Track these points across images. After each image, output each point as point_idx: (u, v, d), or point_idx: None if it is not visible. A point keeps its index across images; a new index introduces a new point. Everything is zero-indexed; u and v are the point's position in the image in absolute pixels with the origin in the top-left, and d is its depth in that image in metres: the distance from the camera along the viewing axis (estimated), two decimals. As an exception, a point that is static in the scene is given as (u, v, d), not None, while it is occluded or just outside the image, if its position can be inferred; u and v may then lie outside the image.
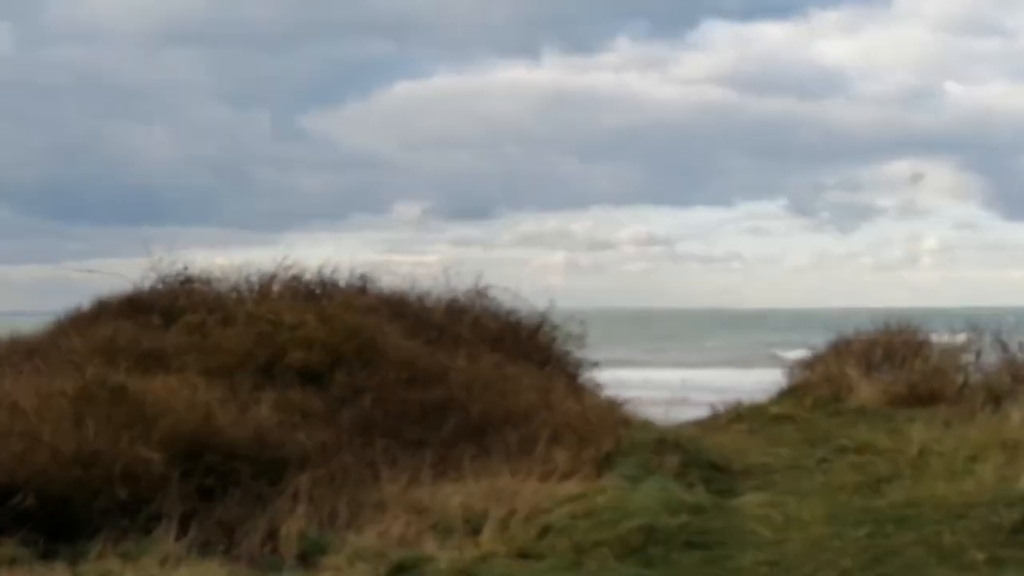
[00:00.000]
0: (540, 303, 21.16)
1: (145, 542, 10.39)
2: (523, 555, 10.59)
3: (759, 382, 24.16)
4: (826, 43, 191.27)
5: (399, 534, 11.06)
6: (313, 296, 18.77)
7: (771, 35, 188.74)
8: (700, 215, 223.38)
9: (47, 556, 10.04)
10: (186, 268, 19.18)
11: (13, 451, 11.06)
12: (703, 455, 15.16)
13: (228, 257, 19.57)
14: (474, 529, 11.29)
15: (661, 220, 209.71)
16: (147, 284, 18.99)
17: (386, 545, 10.70)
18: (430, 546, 10.75)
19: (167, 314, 17.45)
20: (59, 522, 10.71)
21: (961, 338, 22.70)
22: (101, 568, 9.23)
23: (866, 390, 20.35)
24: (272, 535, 10.95)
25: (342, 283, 19.72)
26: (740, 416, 20.06)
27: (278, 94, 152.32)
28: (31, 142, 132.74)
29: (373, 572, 9.70)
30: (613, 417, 16.64)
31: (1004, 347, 20.71)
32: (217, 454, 12.16)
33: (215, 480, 11.86)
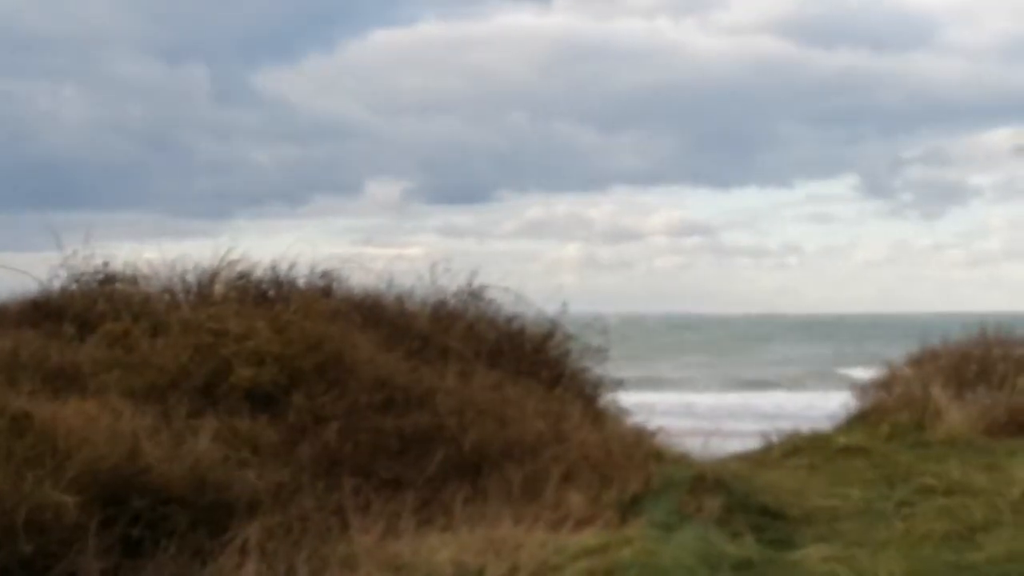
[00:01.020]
0: (550, 307, 21.16)
1: (56, 607, 10.41)
2: (528, 622, 10.63)
3: (822, 406, 24.23)
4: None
5: (373, 597, 11.10)
6: (265, 299, 18.79)
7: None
8: (749, 198, 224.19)
9: (-67, 625, 10.07)
10: (106, 264, 19.16)
11: None
12: (752, 497, 15.22)
13: (159, 250, 19.49)
14: (467, 590, 11.34)
15: (700, 204, 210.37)
16: (57, 284, 18.98)
17: (357, 611, 10.75)
18: (412, 612, 10.79)
19: (83, 322, 17.45)
20: (-52, 583, 10.74)
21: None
22: (0, 640, 9.25)
23: (957, 416, 20.37)
24: (215, 598, 10.99)
25: (302, 282, 19.73)
26: (798, 448, 20.11)
27: (220, 45, 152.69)
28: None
29: (340, 645, 9.72)
30: (641, 450, 16.69)
31: None
32: (145, 497, 12.16)
33: (143, 530, 11.88)
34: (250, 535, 11.97)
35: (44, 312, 18.12)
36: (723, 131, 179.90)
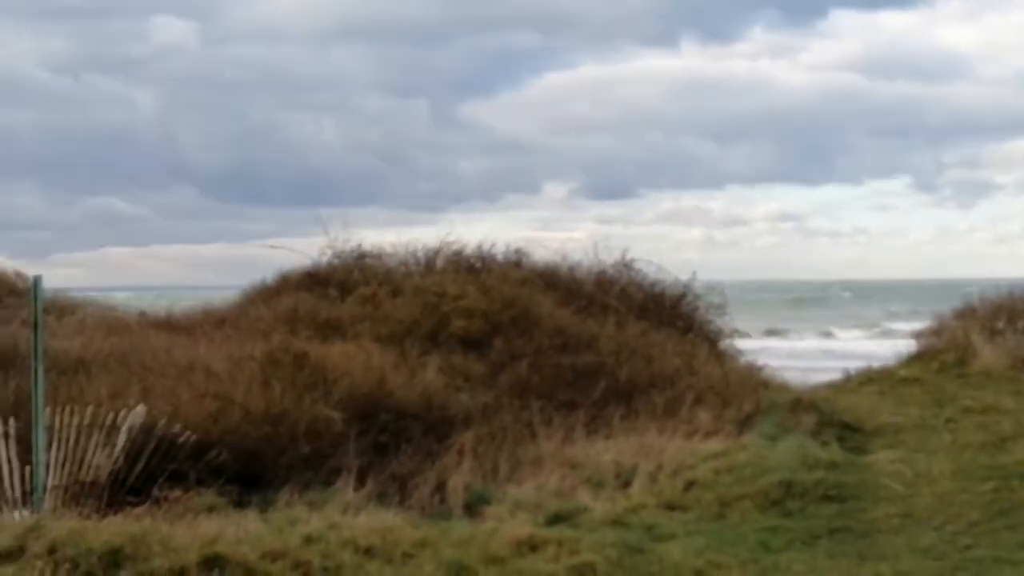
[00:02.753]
0: (682, 275, 20.93)
1: (327, 492, 10.50)
2: (670, 507, 10.55)
3: (887, 349, 23.76)
4: (948, 30, 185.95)
5: (555, 487, 11.09)
6: (473, 270, 18.84)
7: (896, 23, 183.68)
8: (829, 192, 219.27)
9: (240, 504, 10.22)
10: (359, 245, 19.41)
11: (209, 411, 11.29)
12: (837, 415, 15.00)
13: (395, 235, 19.83)
14: (624, 482, 11.30)
15: (792, 198, 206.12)
16: (324, 260, 19.25)
17: (543, 496, 10.73)
18: (584, 497, 10.76)
19: (343, 287, 17.68)
20: (250, 474, 10.90)
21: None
22: (289, 515, 9.36)
23: (990, 355, 19.85)
24: (440, 487, 11.04)
25: (499, 257, 19.74)
26: (870, 379, 19.78)
27: (436, 85, 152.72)
28: (216, 131, 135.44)
29: (532, 521, 9.71)
30: (752, 380, 16.55)
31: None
32: (390, 414, 12.31)
33: (388, 437, 12.01)
34: (465, 441, 12.06)
35: (315, 280, 18.40)
36: (809, 143, 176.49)
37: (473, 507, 10.67)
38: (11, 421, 10.24)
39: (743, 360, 19.36)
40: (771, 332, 49.53)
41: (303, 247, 19.79)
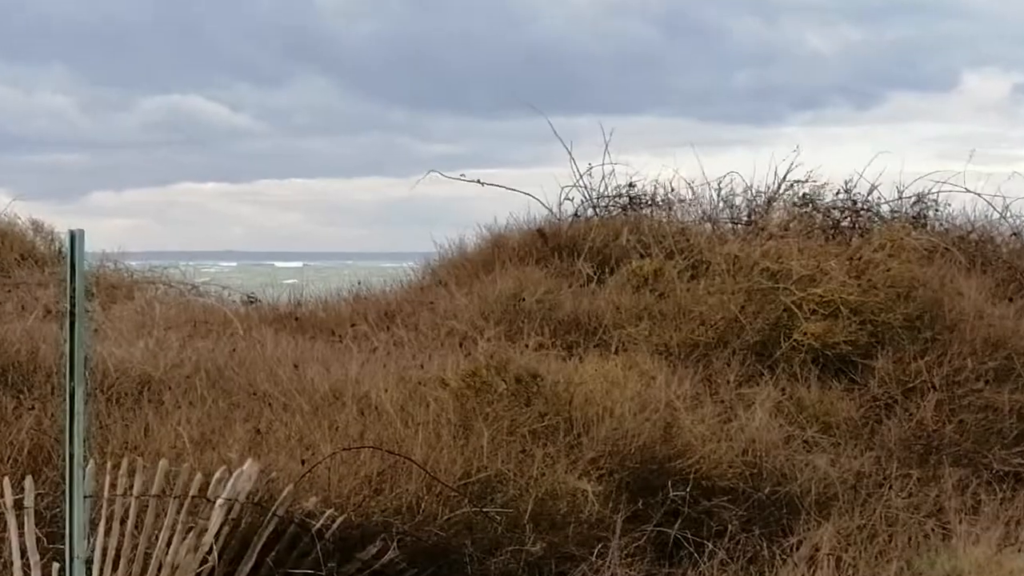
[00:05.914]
0: None
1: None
2: None
3: None
4: None
5: (988, 628, 10.99)
6: (837, 230, 18.74)
7: None
8: None
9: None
10: (631, 183, 19.39)
11: (366, 474, 11.44)
12: None
13: (691, 164, 19.55)
14: None
15: None
16: (568, 209, 19.34)
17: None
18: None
19: (601, 257, 17.75)
20: (438, 589, 11.07)
21: None
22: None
23: None
24: (777, 622, 11.06)
25: (884, 208, 19.59)
26: None
27: None
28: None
29: None
30: None
31: None
32: (684, 488, 12.31)
33: (682, 530, 12.02)
34: (822, 540, 12.00)
35: (552, 245, 18.40)
36: None
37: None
38: (28, 483, 10.54)
39: None
40: None
41: (525, 184, 19.92)
